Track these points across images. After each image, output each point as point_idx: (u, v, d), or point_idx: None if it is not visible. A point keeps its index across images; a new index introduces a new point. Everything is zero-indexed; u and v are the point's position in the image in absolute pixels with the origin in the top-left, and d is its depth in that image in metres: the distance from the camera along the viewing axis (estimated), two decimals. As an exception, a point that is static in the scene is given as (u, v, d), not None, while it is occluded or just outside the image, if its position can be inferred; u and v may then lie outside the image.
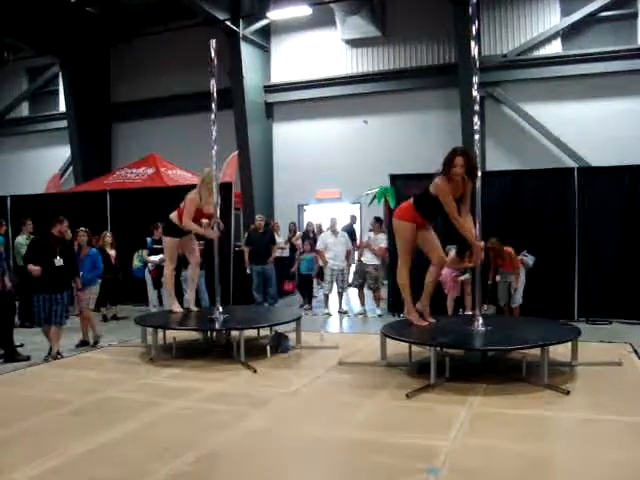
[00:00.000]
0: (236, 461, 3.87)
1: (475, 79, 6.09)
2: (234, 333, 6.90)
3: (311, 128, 17.31)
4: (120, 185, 13.47)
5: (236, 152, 14.72)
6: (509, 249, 8.66)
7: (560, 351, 5.94)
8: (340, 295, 10.90)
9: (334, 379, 5.78)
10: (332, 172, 16.57)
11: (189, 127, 17.06)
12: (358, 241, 13.00)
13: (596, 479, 3.50)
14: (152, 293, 10.50)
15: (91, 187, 14.35)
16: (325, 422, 4.50)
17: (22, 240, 9.87)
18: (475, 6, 6.08)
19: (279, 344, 6.86)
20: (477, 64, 6.13)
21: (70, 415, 4.77)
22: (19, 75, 21.04)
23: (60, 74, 19.22)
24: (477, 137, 6.18)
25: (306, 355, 6.83)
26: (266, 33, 17.55)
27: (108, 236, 10.48)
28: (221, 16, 15.81)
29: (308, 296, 11.45)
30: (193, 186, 7.57)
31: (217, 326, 6.93)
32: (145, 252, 10.48)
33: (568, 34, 14.99)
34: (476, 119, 6.20)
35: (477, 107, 6.18)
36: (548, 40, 15.06)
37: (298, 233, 13.46)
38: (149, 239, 10.35)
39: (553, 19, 15.01)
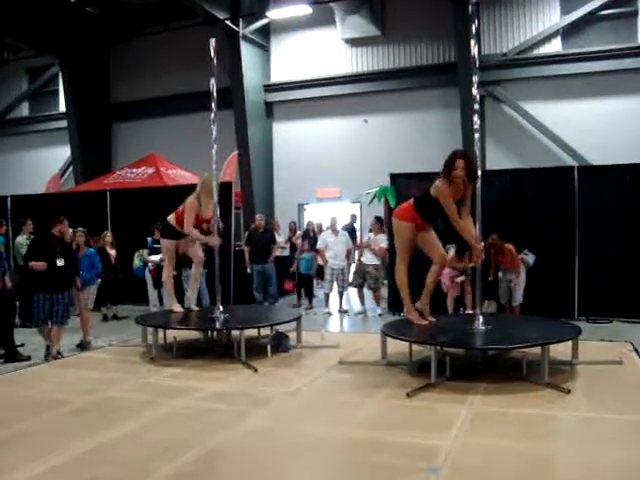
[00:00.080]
0: (237, 460, 3.87)
1: (475, 78, 6.09)
2: (235, 332, 6.90)
3: (311, 127, 17.31)
4: (120, 185, 13.47)
5: (236, 151, 14.72)
6: (510, 246, 8.65)
7: (560, 350, 5.94)
8: (340, 294, 10.90)
9: (335, 378, 5.78)
10: (332, 171, 16.57)
11: (189, 127, 17.06)
12: (358, 240, 13.00)
13: (597, 478, 3.50)
14: (152, 293, 10.50)
15: (91, 187, 14.35)
16: (326, 421, 4.50)
17: (22, 240, 9.87)
18: (475, 5, 6.08)
19: (280, 343, 6.86)
20: (477, 63, 6.14)
21: (71, 415, 4.77)
22: (19, 75, 21.05)
23: (60, 74, 19.23)
24: (477, 136, 6.18)
25: (307, 354, 6.83)
26: (266, 32, 17.54)
27: (108, 236, 10.49)
28: (221, 15, 15.80)
29: (308, 295, 11.46)
30: (193, 186, 7.57)
31: (218, 325, 6.94)
32: (145, 252, 10.49)
33: (568, 33, 14.98)
34: (476, 118, 6.20)
35: (477, 106, 6.17)
36: (548, 39, 15.06)
37: (298, 232, 13.46)
38: (149, 239, 10.35)
39: (553, 17, 15.00)
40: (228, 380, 5.76)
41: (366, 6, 15.49)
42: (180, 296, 7.64)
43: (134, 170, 14.59)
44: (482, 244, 6.12)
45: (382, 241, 10.23)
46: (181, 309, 7.51)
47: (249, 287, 11.07)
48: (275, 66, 17.74)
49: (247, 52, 16.66)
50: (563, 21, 14.90)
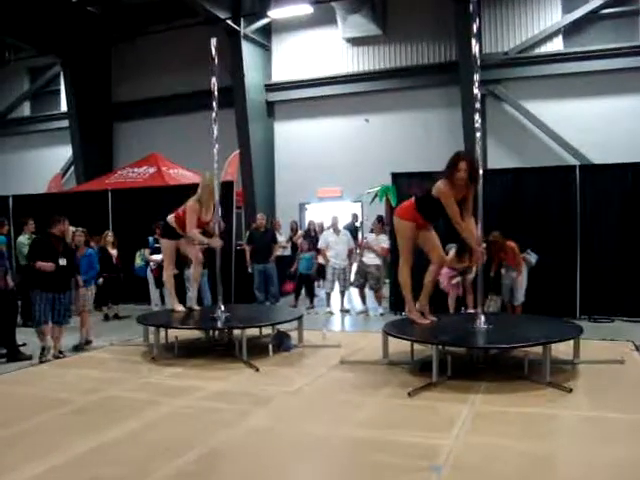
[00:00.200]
0: (238, 460, 3.87)
1: (476, 77, 6.09)
2: (236, 332, 6.91)
3: (312, 127, 17.31)
4: (122, 184, 13.49)
5: (237, 151, 14.73)
6: (512, 244, 8.63)
7: (562, 349, 5.94)
8: (342, 294, 10.90)
9: (336, 377, 5.78)
10: (333, 171, 16.57)
11: (190, 126, 17.07)
12: (360, 240, 13.00)
13: (598, 477, 3.49)
14: (154, 292, 10.50)
15: (93, 187, 14.36)
16: (327, 420, 4.50)
17: (24, 240, 9.87)
18: (476, 4, 6.08)
19: (281, 343, 6.86)
20: (478, 62, 6.14)
21: (72, 414, 4.78)
22: (20, 75, 21.06)
23: (61, 74, 19.24)
24: (478, 135, 6.16)
25: (308, 354, 6.82)
26: (267, 32, 17.55)
27: (110, 235, 10.50)
28: (222, 15, 15.81)
29: (309, 295, 11.45)
30: (195, 185, 7.57)
31: (219, 325, 6.95)
32: (147, 251, 10.49)
33: (569, 31, 14.97)
34: (477, 117, 6.20)
35: (478, 105, 6.18)
36: (549, 37, 15.05)
37: (300, 232, 13.46)
38: (151, 238, 10.34)
39: (554, 16, 14.98)
40: (229, 379, 5.77)
41: (367, 5, 15.49)
42: (181, 295, 7.64)
43: (135, 170, 14.60)
44: (483, 245, 6.13)
45: (383, 241, 10.23)
46: (183, 308, 7.52)
47: (250, 286, 11.07)
48: (276, 65, 17.74)
49: (248, 51, 16.66)
50: (564, 20, 14.89)
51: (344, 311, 10.70)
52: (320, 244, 10.92)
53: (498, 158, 14.59)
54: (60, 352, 7.17)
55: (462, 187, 5.74)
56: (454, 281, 9.01)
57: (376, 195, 12.81)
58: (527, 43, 15.12)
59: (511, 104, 15.24)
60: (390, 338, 6.01)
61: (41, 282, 6.97)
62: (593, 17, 14.73)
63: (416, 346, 6.01)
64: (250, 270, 11.14)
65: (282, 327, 7.11)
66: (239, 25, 16.20)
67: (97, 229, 10.60)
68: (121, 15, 17.43)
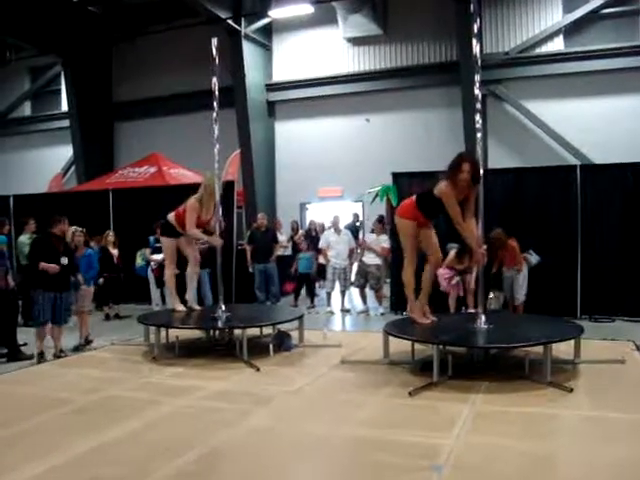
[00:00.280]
0: (239, 459, 3.87)
1: (477, 77, 6.09)
2: (237, 331, 6.91)
3: (313, 126, 17.31)
4: (122, 184, 13.49)
5: (238, 151, 14.72)
6: (513, 243, 8.63)
7: (563, 349, 5.94)
8: (343, 293, 10.90)
9: (337, 377, 5.78)
10: (334, 170, 16.57)
11: (191, 126, 17.06)
12: (360, 239, 12.99)
13: (599, 476, 3.49)
14: (155, 292, 10.51)
15: (93, 186, 14.37)
16: (328, 420, 4.50)
17: (25, 239, 9.87)
18: (477, 3, 6.09)
19: (282, 342, 6.86)
20: (479, 62, 6.15)
21: (73, 414, 4.78)
22: (21, 74, 21.05)
23: (62, 73, 19.23)
24: (479, 135, 6.16)
25: (309, 353, 6.83)
26: (268, 32, 17.54)
27: (111, 235, 10.52)
28: (223, 15, 15.80)
29: (310, 294, 11.45)
30: (195, 185, 7.57)
31: (220, 325, 6.95)
32: (148, 251, 10.50)
33: (570, 31, 14.96)
34: (478, 117, 6.19)
35: (479, 105, 6.19)
36: (550, 37, 15.03)
37: (300, 231, 13.46)
38: (152, 238, 10.34)
39: (555, 16, 14.97)
40: (230, 379, 5.77)
41: (368, 5, 15.48)
42: (182, 295, 7.64)
43: (136, 169, 14.61)
44: (484, 247, 6.13)
45: (384, 241, 10.24)
46: (183, 308, 7.52)
47: (251, 286, 11.07)
48: (277, 65, 17.73)
49: (249, 51, 16.66)
50: (565, 20, 14.87)
51: (345, 311, 10.71)
52: (321, 244, 10.93)
53: (499, 158, 14.56)
54: (61, 351, 7.17)
55: (464, 188, 5.75)
56: (453, 281, 9.01)
57: (377, 195, 12.80)
58: (528, 43, 15.11)
59: (512, 104, 15.23)
60: (391, 338, 6.01)
61: (43, 282, 6.98)
62: (594, 17, 14.72)
63: (417, 346, 6.01)
64: (251, 270, 11.15)
65: (283, 327, 7.10)
66: (240, 25, 16.20)
67: (98, 229, 10.62)
68: (122, 15, 17.43)
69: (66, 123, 19.26)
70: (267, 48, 17.57)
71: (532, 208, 9.47)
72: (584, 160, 13.70)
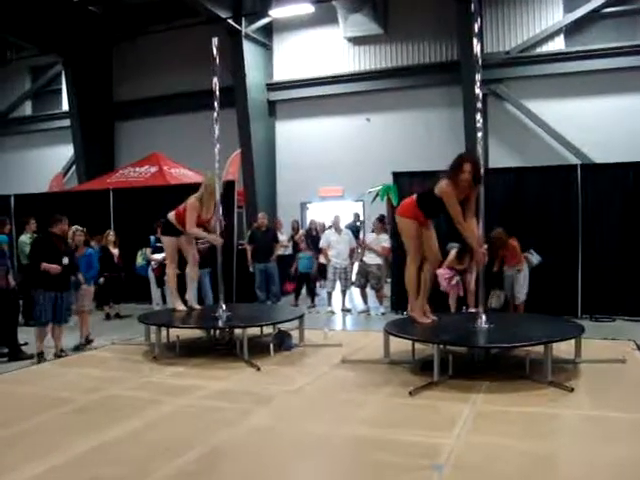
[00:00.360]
0: (239, 459, 3.87)
1: (478, 76, 6.09)
2: (237, 331, 6.91)
3: (314, 126, 17.29)
4: (123, 184, 13.49)
5: (239, 150, 14.71)
6: (514, 242, 8.62)
7: (563, 348, 5.95)
8: (343, 293, 10.90)
9: (337, 377, 5.78)
10: (335, 170, 16.55)
11: (192, 125, 17.06)
12: (361, 239, 12.99)
13: (600, 476, 3.49)
14: (155, 291, 10.52)
15: (94, 186, 14.36)
16: (329, 419, 4.50)
17: (25, 239, 9.88)
18: (477, 3, 6.09)
19: (282, 342, 6.86)
20: (480, 61, 6.15)
21: (73, 413, 4.78)
22: (22, 74, 21.03)
23: (63, 73, 19.21)
24: (480, 134, 6.16)
25: (309, 353, 6.83)
26: (268, 31, 17.52)
27: (111, 235, 10.52)
28: (223, 14, 15.79)
29: (310, 294, 11.45)
30: (196, 185, 7.57)
31: (220, 324, 6.96)
32: (148, 250, 10.50)
33: (571, 31, 14.93)
34: (479, 116, 6.19)
35: (480, 104, 6.18)
36: (551, 37, 15.00)
37: (301, 231, 13.46)
38: (152, 237, 10.35)
39: (556, 15, 14.94)
40: (231, 378, 5.77)
41: (368, 4, 15.47)
42: (183, 295, 7.64)
43: (137, 169, 14.61)
44: (485, 246, 6.13)
45: (384, 240, 10.24)
46: (184, 308, 7.52)
47: (252, 286, 11.07)
48: (277, 65, 17.72)
49: (249, 51, 16.65)
50: (566, 19, 14.85)
51: (345, 310, 10.71)
52: (322, 243, 10.92)
53: (500, 157, 14.56)
54: (62, 351, 7.18)
55: (465, 188, 5.75)
56: (453, 281, 9.01)
57: (377, 194, 12.79)
58: (528, 42, 15.09)
59: (513, 103, 15.21)
60: (391, 337, 6.02)
61: (44, 281, 6.98)
62: (594, 16, 14.69)
63: (417, 345, 6.02)
64: (251, 269, 11.15)
65: (283, 326, 7.11)
66: (240, 24, 16.18)
67: (98, 228, 10.62)
68: (122, 15, 17.43)
69: (67, 123, 19.25)
70: (267, 48, 17.55)
71: (533, 207, 9.46)
72: (585, 160, 13.68)
